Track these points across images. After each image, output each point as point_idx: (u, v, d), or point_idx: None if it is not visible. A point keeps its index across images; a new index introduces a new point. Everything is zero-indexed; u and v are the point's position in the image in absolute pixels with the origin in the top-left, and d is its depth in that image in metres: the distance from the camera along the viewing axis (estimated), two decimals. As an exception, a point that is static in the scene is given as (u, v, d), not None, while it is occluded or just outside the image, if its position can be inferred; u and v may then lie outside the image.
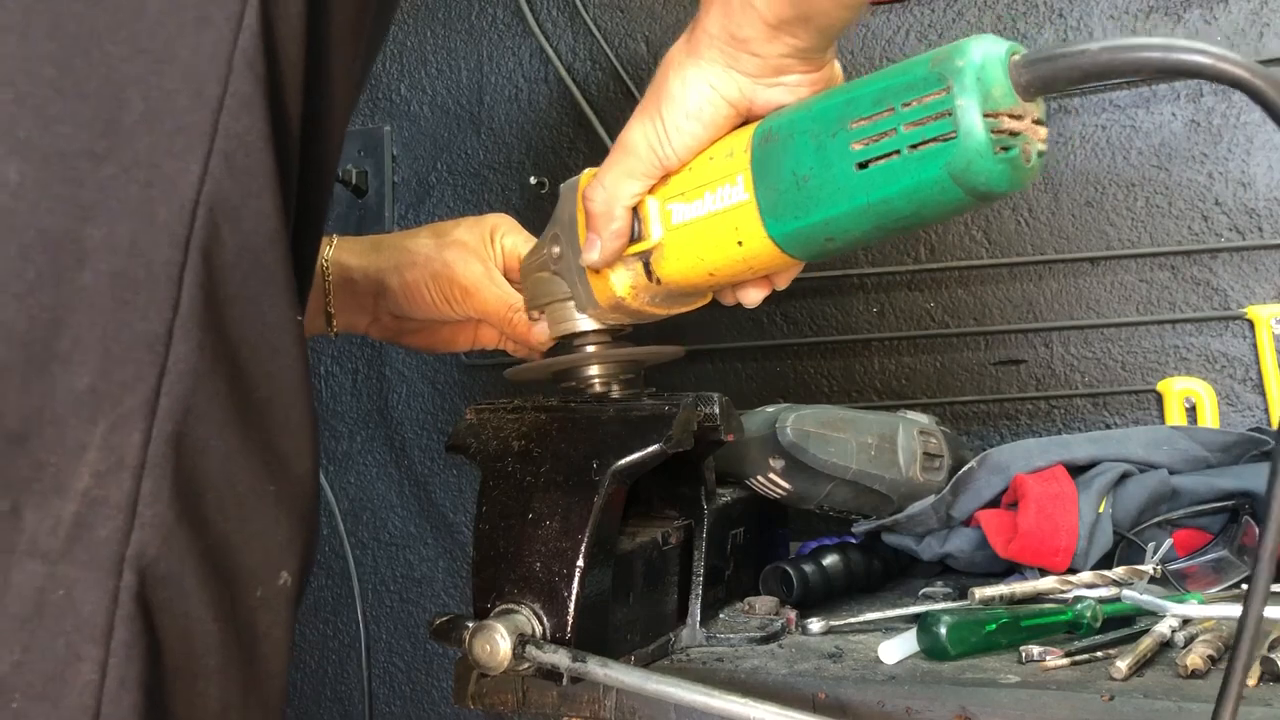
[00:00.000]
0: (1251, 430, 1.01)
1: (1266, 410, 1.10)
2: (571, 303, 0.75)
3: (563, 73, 1.37)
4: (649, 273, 0.69)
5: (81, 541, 0.44)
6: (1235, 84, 0.48)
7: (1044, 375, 1.19)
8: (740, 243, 0.63)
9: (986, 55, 0.53)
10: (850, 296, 1.26)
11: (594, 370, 0.76)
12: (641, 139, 0.64)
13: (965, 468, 0.96)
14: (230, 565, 0.48)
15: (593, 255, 0.68)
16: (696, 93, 0.62)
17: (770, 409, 0.92)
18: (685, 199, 0.65)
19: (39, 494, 0.44)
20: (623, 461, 0.70)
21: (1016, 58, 0.54)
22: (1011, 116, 0.53)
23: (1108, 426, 1.16)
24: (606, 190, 0.66)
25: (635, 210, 0.67)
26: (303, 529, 0.51)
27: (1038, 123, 0.55)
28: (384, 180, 1.46)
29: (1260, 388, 1.10)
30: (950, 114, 0.53)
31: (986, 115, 0.53)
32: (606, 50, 1.35)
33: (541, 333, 0.83)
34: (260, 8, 0.47)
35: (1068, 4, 1.18)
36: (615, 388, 0.77)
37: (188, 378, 0.46)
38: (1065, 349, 1.18)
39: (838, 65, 0.64)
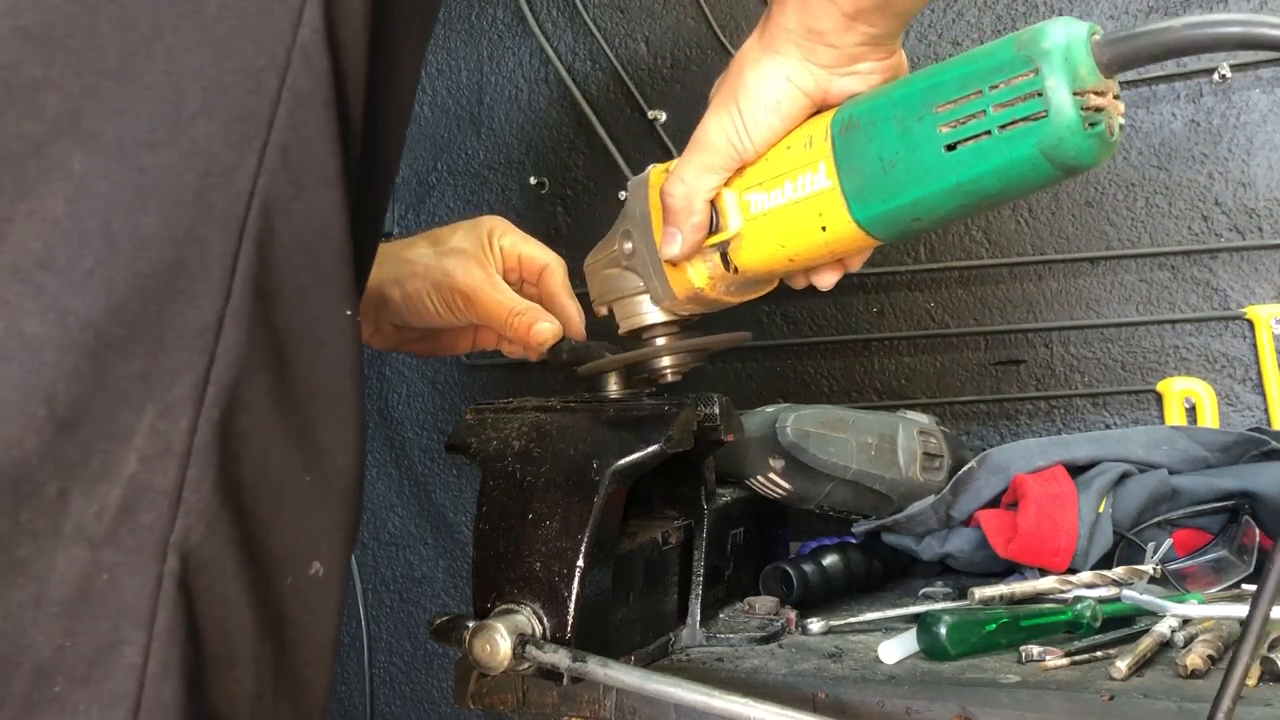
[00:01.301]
0: (1251, 430, 1.01)
1: (1266, 410, 1.10)
2: (643, 296, 0.76)
3: (563, 73, 1.37)
4: (726, 262, 0.70)
5: (127, 526, 0.44)
6: None
7: (1044, 375, 1.19)
8: (824, 228, 0.64)
9: (1071, 36, 0.56)
10: (850, 296, 1.26)
11: (667, 361, 0.77)
12: (719, 133, 0.66)
13: (965, 468, 0.96)
14: (264, 552, 0.48)
15: (673, 249, 0.69)
16: (773, 85, 0.63)
17: (770, 409, 0.92)
18: (764, 189, 0.66)
19: (86, 479, 0.44)
20: (623, 461, 0.70)
21: (1098, 37, 0.57)
22: (1097, 93, 0.57)
23: (1108, 426, 1.16)
24: (686, 184, 0.67)
25: (712, 203, 0.68)
26: (340, 522, 0.51)
27: (1117, 97, 0.58)
28: (384, 180, 1.46)
29: (1260, 388, 1.10)
30: (1041, 94, 0.56)
31: (1075, 94, 0.56)
32: (606, 50, 1.35)
33: (541, 333, 0.84)
34: (323, 5, 0.47)
35: (1067, 4, 1.18)
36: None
37: (235, 366, 0.46)
38: (1065, 349, 1.18)
39: (903, 52, 0.66)
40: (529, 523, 0.70)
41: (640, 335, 0.78)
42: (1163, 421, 1.13)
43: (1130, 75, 1.15)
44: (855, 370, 1.26)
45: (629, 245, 0.75)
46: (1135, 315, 1.15)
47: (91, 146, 0.44)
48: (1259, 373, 1.10)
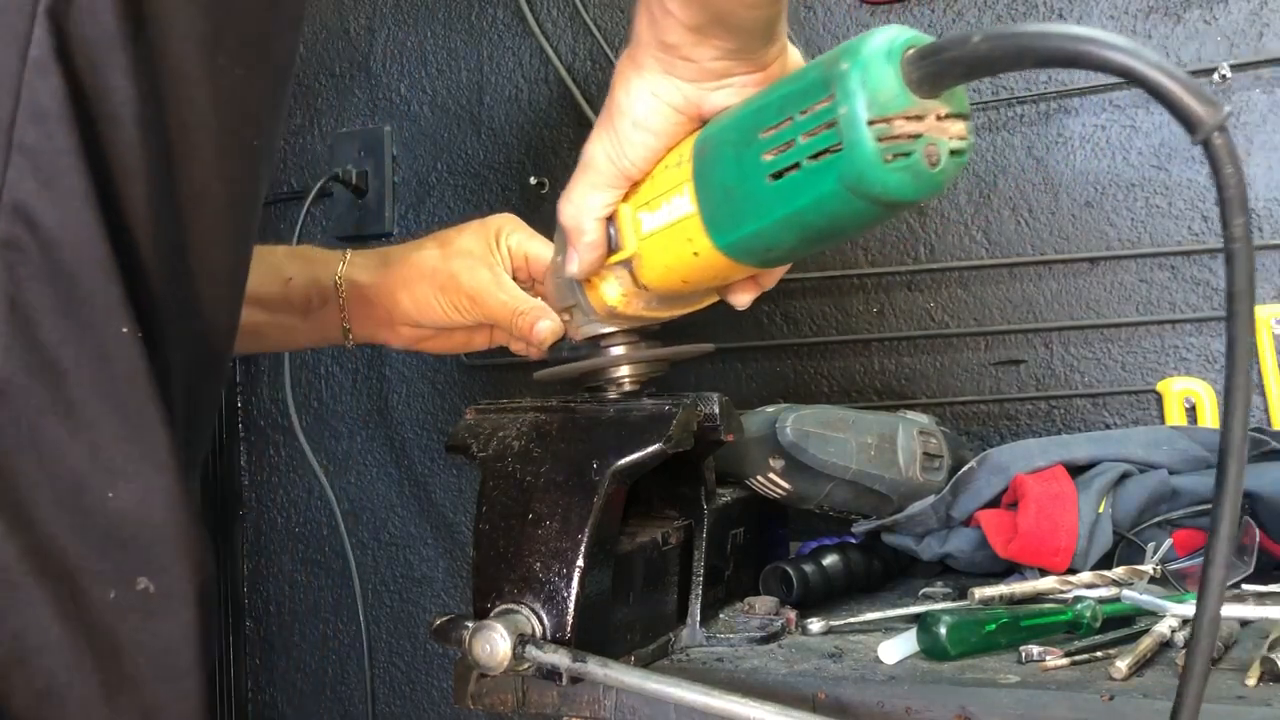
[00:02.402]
0: (1252, 430, 1.01)
1: (1266, 410, 1.10)
2: (579, 307, 0.75)
3: (563, 73, 1.37)
4: (635, 280, 0.68)
5: None
6: (1122, 73, 0.45)
7: (1044, 375, 1.19)
8: (695, 253, 0.62)
9: (873, 54, 0.50)
10: (850, 296, 1.26)
11: (623, 371, 0.76)
12: (599, 151, 0.65)
13: (965, 468, 0.96)
14: (63, 567, 0.49)
15: (572, 268, 0.69)
16: (641, 101, 0.62)
17: (770, 409, 0.92)
18: (650, 208, 0.64)
19: None
20: (623, 461, 0.70)
21: (911, 52, 0.51)
22: (907, 119, 0.50)
23: (1108, 426, 1.16)
24: (574, 204, 0.67)
25: (613, 220, 0.67)
26: (171, 540, 0.51)
27: (950, 117, 0.51)
28: (384, 180, 1.46)
29: (1260, 388, 1.10)
30: (835, 124, 0.50)
31: (873, 122, 0.50)
32: (606, 50, 1.35)
33: (541, 331, 0.85)
34: (51, 26, 0.47)
35: (1067, 4, 1.18)
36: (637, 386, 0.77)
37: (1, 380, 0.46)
38: (1065, 349, 1.18)
39: (794, 55, 0.63)
40: (529, 523, 0.70)
41: (598, 344, 0.76)
42: (1163, 421, 1.13)
43: (1130, 75, 1.15)
44: (855, 370, 1.26)
45: (559, 258, 0.74)
46: (1135, 315, 1.15)
47: None
48: (1259, 373, 1.10)
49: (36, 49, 0.47)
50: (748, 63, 0.59)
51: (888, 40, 0.51)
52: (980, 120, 1.21)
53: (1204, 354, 1.13)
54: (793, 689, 0.71)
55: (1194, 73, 1.13)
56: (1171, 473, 0.95)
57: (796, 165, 0.53)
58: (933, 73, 0.50)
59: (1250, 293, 0.43)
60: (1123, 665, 0.68)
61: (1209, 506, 0.92)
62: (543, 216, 1.39)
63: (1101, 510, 0.91)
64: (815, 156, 0.52)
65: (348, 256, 0.93)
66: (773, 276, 0.69)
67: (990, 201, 1.21)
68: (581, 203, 0.67)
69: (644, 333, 0.76)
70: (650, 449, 0.70)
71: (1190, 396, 1.12)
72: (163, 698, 0.51)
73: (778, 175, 0.54)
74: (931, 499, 0.95)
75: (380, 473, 1.48)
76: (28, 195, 0.47)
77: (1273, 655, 0.66)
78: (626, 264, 0.68)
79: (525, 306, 0.87)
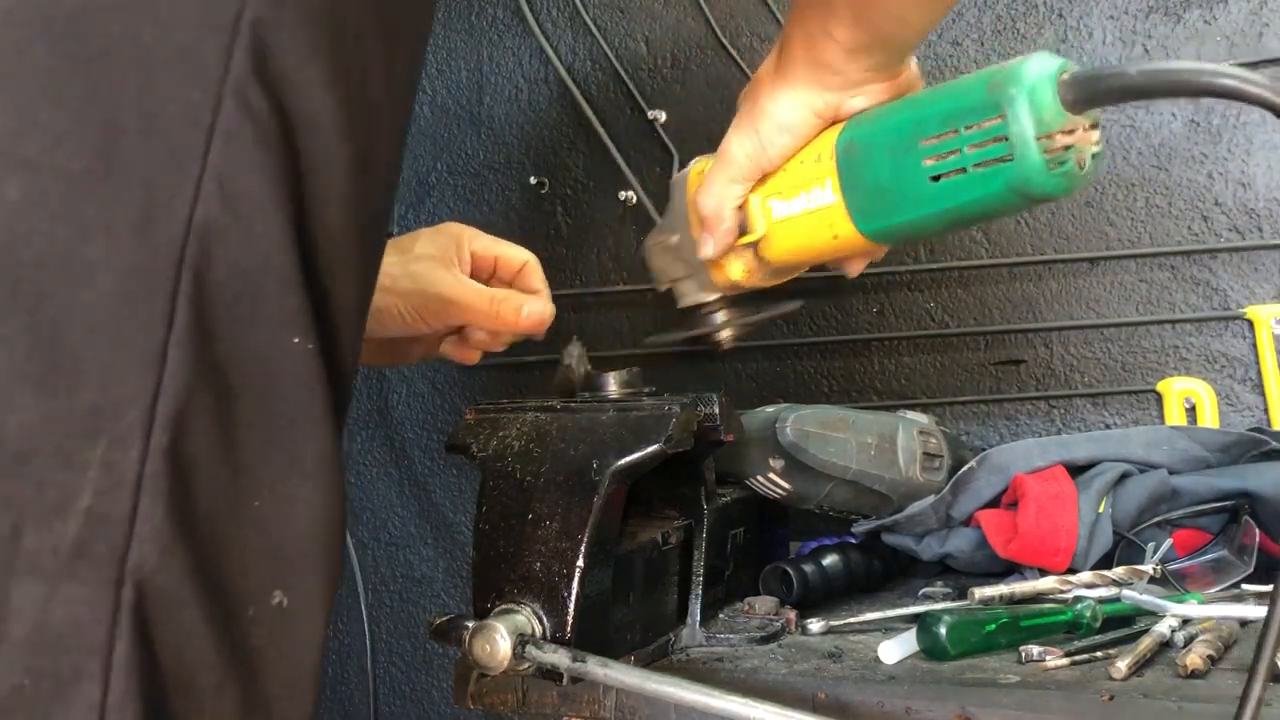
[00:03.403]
0: (1251, 430, 1.01)
1: (1266, 410, 1.10)
2: (694, 280, 0.82)
3: (563, 73, 1.37)
4: (758, 258, 0.76)
5: (83, 560, 0.44)
6: (1260, 104, 0.53)
7: (1044, 375, 1.19)
8: (835, 235, 0.71)
9: (1038, 79, 0.59)
10: (850, 296, 1.26)
11: (726, 334, 0.83)
12: (740, 150, 0.73)
13: (965, 468, 0.96)
14: (219, 581, 0.48)
15: (707, 251, 0.76)
16: (788, 109, 0.70)
17: (770, 409, 0.92)
18: (783, 197, 0.73)
19: (39, 514, 0.44)
20: (623, 461, 0.70)
21: (1065, 77, 0.59)
22: (1064, 133, 0.59)
23: (1108, 426, 1.16)
24: (715, 196, 0.75)
25: (741, 206, 0.75)
26: (308, 555, 0.51)
27: (1092, 128, 0.61)
28: (384, 180, 1.46)
29: (1260, 388, 1.10)
30: (1006, 139, 0.59)
31: (1039, 138, 0.59)
32: (606, 50, 1.35)
33: (534, 313, 0.88)
34: (251, 49, 0.47)
35: (1067, 4, 1.18)
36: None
37: (181, 394, 0.46)
38: (1065, 349, 1.18)
39: (914, 64, 0.71)
40: (529, 523, 0.70)
41: (699, 310, 0.83)
42: (1163, 421, 1.13)
43: (1130, 75, 1.15)
44: (855, 370, 1.26)
45: (674, 239, 0.82)
46: (1135, 315, 1.15)
47: (31, 173, 0.44)
48: (1259, 373, 1.10)
49: (237, 69, 0.47)
50: (886, 73, 0.68)
51: (1045, 66, 0.60)
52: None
53: (1204, 354, 1.13)
54: (793, 689, 0.71)
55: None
56: (1171, 473, 0.95)
57: (962, 170, 0.62)
58: (1087, 97, 0.59)
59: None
60: (1123, 665, 0.68)
61: (1209, 506, 0.93)
62: (542, 216, 1.40)
63: (1101, 510, 0.91)
64: (982, 164, 0.61)
65: None
66: (882, 250, 0.78)
67: (990, 201, 1.20)
68: (721, 194, 0.74)
69: (736, 299, 0.83)
70: (650, 449, 0.70)
71: (1190, 396, 1.12)
72: (282, 712, 0.51)
73: (937, 178, 0.63)
74: (931, 499, 0.95)
75: (380, 473, 1.48)
76: (216, 203, 0.47)
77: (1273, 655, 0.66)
78: (752, 245, 0.76)
79: (503, 295, 0.88)
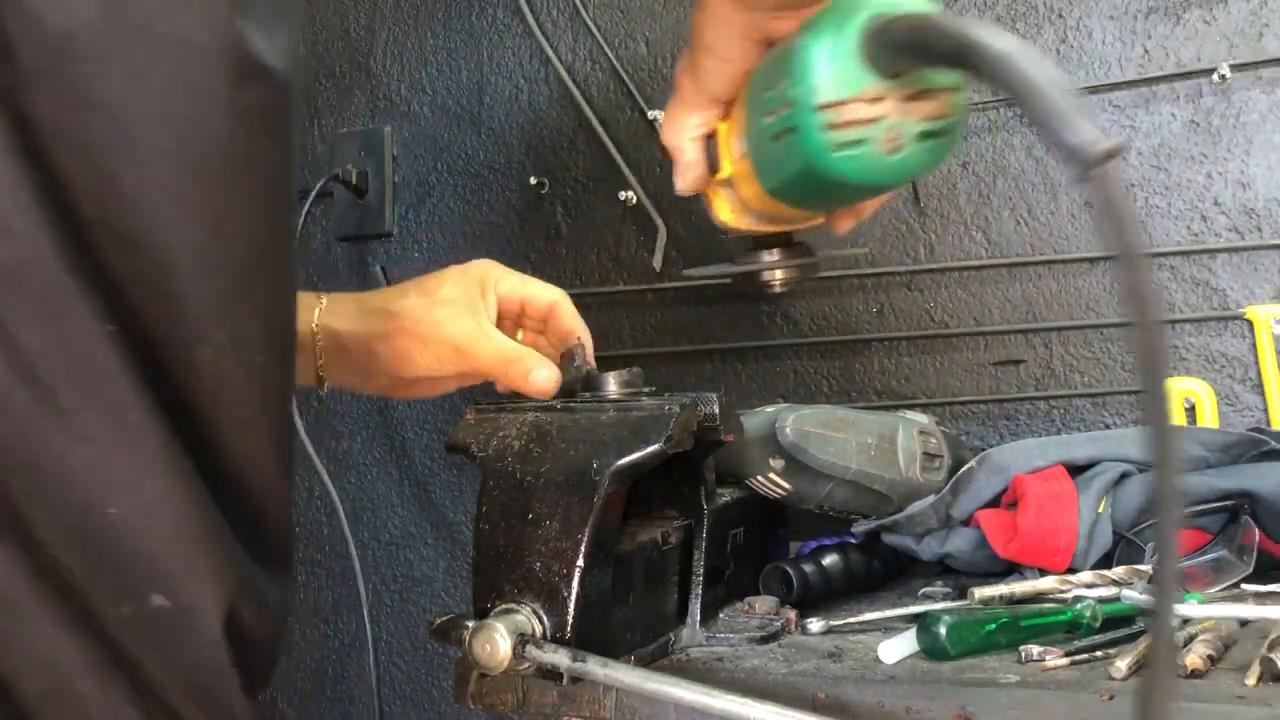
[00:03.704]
0: (1251, 430, 1.01)
1: (1266, 410, 1.10)
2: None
3: (562, 73, 1.37)
4: (739, 198, 0.68)
5: None
6: (1004, 85, 0.42)
7: (1044, 375, 1.19)
8: (761, 191, 0.62)
9: (831, 28, 0.47)
10: (850, 296, 1.26)
11: (777, 275, 0.73)
12: (682, 74, 0.68)
13: (965, 468, 0.96)
14: (71, 586, 0.48)
15: (678, 184, 0.71)
16: (711, 30, 0.63)
17: (770, 409, 0.92)
18: (738, 134, 0.64)
19: None
20: (623, 461, 0.70)
21: (872, 25, 0.46)
22: (865, 102, 0.47)
23: (1108, 426, 1.16)
24: (668, 125, 0.70)
25: (714, 139, 0.67)
26: (174, 553, 0.50)
27: (922, 95, 0.48)
28: (384, 180, 1.46)
29: (1260, 388, 1.10)
30: (790, 105, 0.49)
31: (821, 107, 0.47)
32: (606, 50, 1.35)
33: (539, 380, 0.83)
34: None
35: (1067, 4, 1.18)
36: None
37: None
38: (1065, 349, 1.18)
39: None
40: (529, 523, 0.70)
41: (748, 245, 0.74)
42: (1162, 421, 1.13)
43: (1130, 75, 1.15)
44: (855, 370, 1.26)
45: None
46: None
47: None
48: (1259, 373, 1.10)
49: None
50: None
51: (851, 11, 0.47)
52: (980, 120, 1.21)
53: (1204, 354, 1.13)
54: (793, 689, 0.71)
55: (1193, 72, 1.13)
56: (1171, 473, 0.95)
57: (783, 133, 0.52)
58: (891, 54, 0.46)
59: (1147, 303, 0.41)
60: (1123, 665, 0.68)
61: (1209, 506, 0.93)
62: (543, 216, 1.40)
63: (1101, 510, 0.91)
64: (780, 134, 0.52)
65: (323, 302, 0.88)
66: (870, 205, 0.70)
67: (990, 201, 1.21)
68: (673, 123, 0.69)
69: (791, 238, 0.74)
70: (650, 449, 0.70)
71: (1190, 397, 1.12)
72: (189, 714, 0.51)
73: (776, 137, 0.54)
74: (931, 499, 0.95)
75: (380, 473, 1.48)
76: None
77: (1273, 655, 0.66)
78: (727, 183, 0.68)
79: (515, 355, 0.85)
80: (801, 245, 0.74)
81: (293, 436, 0.59)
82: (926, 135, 0.48)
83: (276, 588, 0.57)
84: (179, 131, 0.49)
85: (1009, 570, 0.95)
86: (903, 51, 0.46)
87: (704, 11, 0.63)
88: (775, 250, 0.73)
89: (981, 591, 0.82)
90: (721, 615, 0.86)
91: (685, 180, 0.70)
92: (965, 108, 0.49)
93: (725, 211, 0.70)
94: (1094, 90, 1.16)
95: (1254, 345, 1.11)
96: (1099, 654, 0.73)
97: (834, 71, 0.47)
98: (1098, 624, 0.78)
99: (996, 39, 0.42)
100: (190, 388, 0.52)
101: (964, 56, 0.43)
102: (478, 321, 0.87)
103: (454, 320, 0.86)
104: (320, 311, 0.88)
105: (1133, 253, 0.40)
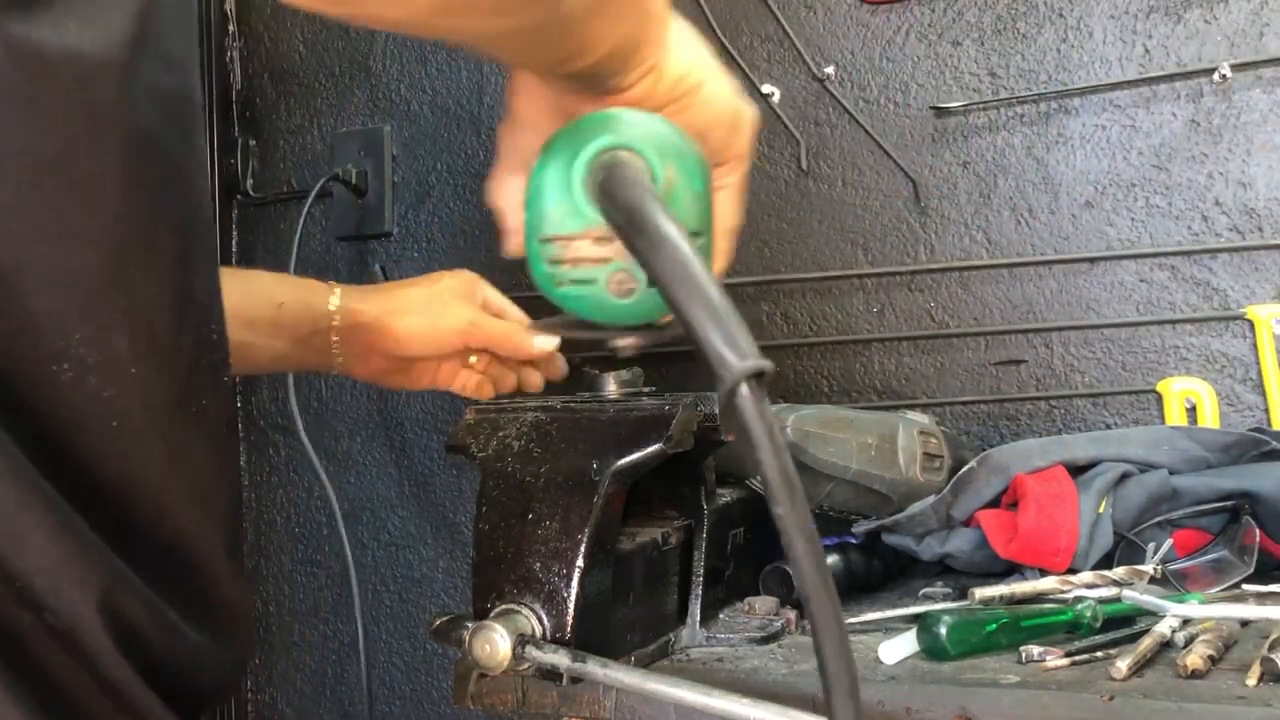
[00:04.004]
0: (1251, 430, 1.01)
1: (1266, 410, 1.10)
2: None
3: (563, 73, 1.37)
4: None
5: None
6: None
7: (1044, 375, 1.18)
8: None
9: (568, 160, 0.43)
10: (850, 296, 1.26)
11: (624, 340, 0.73)
12: (503, 139, 0.62)
13: (965, 468, 0.96)
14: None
15: (505, 247, 0.67)
16: (520, 100, 0.59)
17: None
18: None
19: None
20: (623, 461, 0.70)
21: (602, 158, 0.42)
22: (592, 241, 0.43)
23: (1108, 426, 1.16)
24: (492, 189, 0.64)
25: None
26: (42, 569, 0.49)
27: (602, 240, 0.44)
28: (384, 180, 1.46)
29: (1260, 388, 1.10)
30: (526, 227, 0.45)
31: (546, 240, 0.44)
32: (606, 50, 1.35)
33: (544, 344, 0.96)
34: None
35: (1067, 4, 1.18)
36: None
37: None
38: (1065, 349, 1.18)
39: (673, 78, 0.58)
40: (529, 523, 0.70)
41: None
42: (1163, 421, 1.13)
43: (1130, 75, 1.15)
44: (855, 370, 1.26)
45: None
46: (1135, 315, 1.15)
47: None
48: (1259, 373, 1.10)
49: None
50: (584, 84, 0.54)
51: (587, 136, 0.42)
52: (980, 120, 1.21)
53: (1204, 354, 1.13)
54: (793, 689, 0.71)
55: (1193, 72, 1.13)
56: (1171, 473, 0.95)
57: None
58: (598, 197, 0.42)
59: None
60: (1123, 665, 0.68)
61: (1209, 506, 0.93)
62: (543, 216, 1.40)
63: (1101, 510, 0.91)
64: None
65: (337, 290, 0.99)
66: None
67: (990, 201, 1.21)
68: (495, 186, 0.61)
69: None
70: (650, 449, 0.70)
71: (1190, 397, 1.12)
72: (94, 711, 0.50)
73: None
74: (932, 499, 0.95)
75: (380, 473, 1.48)
76: None
77: (1273, 655, 0.66)
78: None
79: (519, 327, 0.99)
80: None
81: (209, 441, 0.57)
82: (635, 290, 0.44)
83: (187, 601, 0.55)
84: (5, 143, 0.47)
85: (1009, 570, 0.95)
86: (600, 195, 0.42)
87: (514, 80, 0.58)
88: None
89: (982, 592, 0.82)
90: (721, 615, 0.86)
91: (509, 244, 0.59)
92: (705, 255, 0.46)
93: None
94: (1094, 90, 1.16)
95: (1254, 345, 1.11)
96: (1099, 654, 0.73)
97: (560, 204, 0.43)
98: (1098, 624, 0.78)
99: (666, 224, 0.38)
100: (50, 408, 0.50)
101: (628, 227, 0.40)
102: (475, 308, 1.00)
103: (455, 301, 1.00)
104: (339, 294, 0.98)
105: (779, 475, 0.38)
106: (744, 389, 0.37)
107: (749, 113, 0.63)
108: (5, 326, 0.48)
